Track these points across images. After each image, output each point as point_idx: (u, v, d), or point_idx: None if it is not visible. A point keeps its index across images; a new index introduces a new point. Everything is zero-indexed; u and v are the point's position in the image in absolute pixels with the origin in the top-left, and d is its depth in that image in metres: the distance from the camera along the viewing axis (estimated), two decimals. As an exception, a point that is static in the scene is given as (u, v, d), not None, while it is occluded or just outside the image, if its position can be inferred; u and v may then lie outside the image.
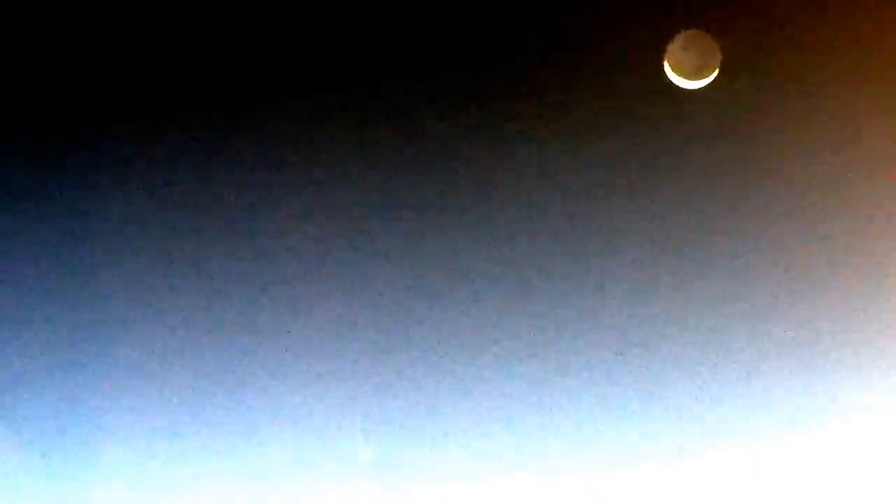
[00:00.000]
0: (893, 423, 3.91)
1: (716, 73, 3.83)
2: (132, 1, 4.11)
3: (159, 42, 4.13)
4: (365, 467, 4.02)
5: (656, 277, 4.03)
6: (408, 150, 4.13)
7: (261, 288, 4.12)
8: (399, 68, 4.11)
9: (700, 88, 3.87)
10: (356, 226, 4.13)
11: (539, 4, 4.00)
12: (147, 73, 4.14)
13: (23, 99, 4.16)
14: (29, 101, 4.16)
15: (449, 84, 4.11)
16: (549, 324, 4.06)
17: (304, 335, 4.10)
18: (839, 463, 3.92)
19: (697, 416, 4.01)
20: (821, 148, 3.95)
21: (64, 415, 4.09)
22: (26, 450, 4.07)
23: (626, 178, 4.03)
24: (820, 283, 3.99)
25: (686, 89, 3.88)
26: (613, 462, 4.00)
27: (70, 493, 4.06)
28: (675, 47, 3.81)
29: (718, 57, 3.80)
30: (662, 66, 3.86)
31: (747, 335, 4.00)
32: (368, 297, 4.11)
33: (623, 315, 4.04)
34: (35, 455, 4.06)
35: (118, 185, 4.16)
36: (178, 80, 4.14)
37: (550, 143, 4.05)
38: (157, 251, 4.14)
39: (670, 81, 3.86)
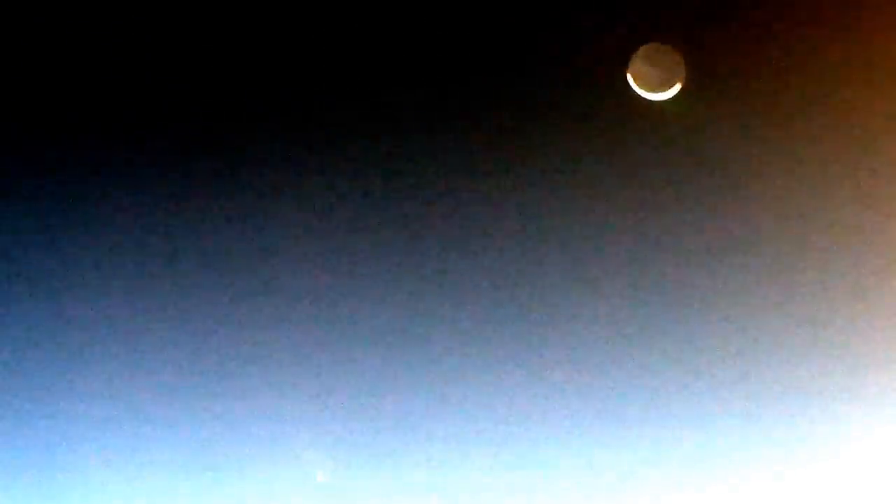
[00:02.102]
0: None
1: (679, 85, 3.77)
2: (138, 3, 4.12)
3: (162, 46, 4.13)
4: (324, 488, 4.01)
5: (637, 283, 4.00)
6: (392, 162, 4.11)
7: (235, 307, 4.13)
8: (393, 79, 4.09)
9: (666, 100, 3.82)
10: (332, 239, 4.12)
11: (510, 19, 3.96)
12: (148, 75, 4.14)
13: (22, 99, 4.18)
14: (29, 101, 4.18)
15: (434, 95, 4.09)
16: (526, 336, 4.05)
17: (275, 353, 4.10)
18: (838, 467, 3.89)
19: (695, 418, 3.98)
20: (791, 158, 3.89)
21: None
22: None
23: (598, 189, 3.99)
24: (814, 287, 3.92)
25: (652, 101, 3.83)
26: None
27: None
28: (637, 60, 3.76)
29: (682, 71, 3.75)
30: (627, 79, 3.82)
31: (744, 335, 3.98)
32: (354, 307, 4.10)
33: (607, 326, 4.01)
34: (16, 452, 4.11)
35: (112, 183, 4.18)
36: (178, 83, 4.14)
37: (530, 152, 4.03)
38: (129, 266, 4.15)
39: (635, 94, 3.81)
